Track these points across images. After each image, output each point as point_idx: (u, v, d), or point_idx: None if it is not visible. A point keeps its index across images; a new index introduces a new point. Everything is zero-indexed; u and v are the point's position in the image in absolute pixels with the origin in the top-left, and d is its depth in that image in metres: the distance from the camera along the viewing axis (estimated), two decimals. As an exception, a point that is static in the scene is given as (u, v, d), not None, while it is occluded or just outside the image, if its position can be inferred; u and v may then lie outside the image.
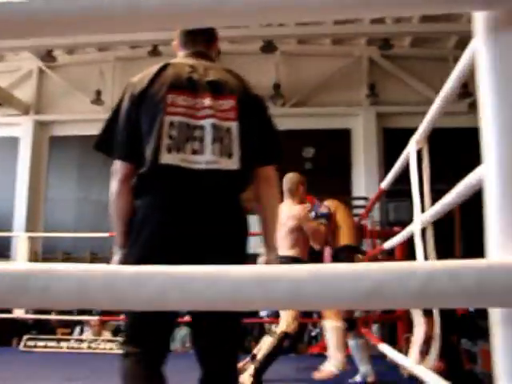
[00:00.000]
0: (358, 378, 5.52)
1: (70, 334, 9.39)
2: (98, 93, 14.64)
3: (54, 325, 9.98)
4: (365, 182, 13.71)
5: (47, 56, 14.07)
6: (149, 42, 13.01)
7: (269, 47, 13.20)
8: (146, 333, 2.10)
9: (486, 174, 0.71)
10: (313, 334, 9.54)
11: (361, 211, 13.18)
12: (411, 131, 10.55)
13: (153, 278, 0.63)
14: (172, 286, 0.63)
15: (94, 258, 13.95)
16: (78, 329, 9.46)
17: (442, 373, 3.77)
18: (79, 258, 13.88)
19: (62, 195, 14.95)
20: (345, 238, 5.40)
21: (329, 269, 0.64)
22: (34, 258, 12.89)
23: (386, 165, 13.42)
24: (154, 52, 13.42)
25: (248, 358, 5.03)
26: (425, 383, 2.90)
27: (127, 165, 2.14)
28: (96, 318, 7.07)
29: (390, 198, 13.02)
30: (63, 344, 6.88)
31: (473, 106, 12.68)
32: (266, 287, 0.65)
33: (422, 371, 2.84)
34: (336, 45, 14.34)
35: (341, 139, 14.08)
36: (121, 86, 15.61)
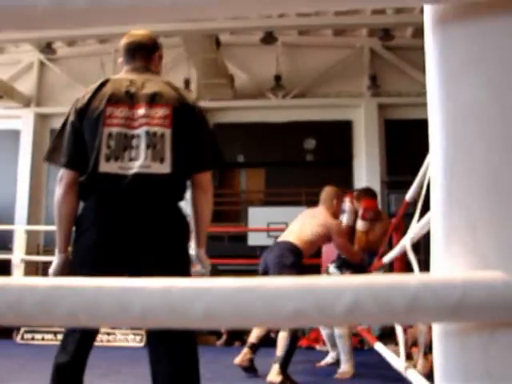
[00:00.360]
0: (328, 359, 5.55)
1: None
2: (99, 85, 14.60)
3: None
4: (366, 173, 13.68)
5: (47, 48, 14.04)
6: (149, 34, 12.94)
7: (269, 38, 13.15)
8: (72, 344, 2.23)
9: (432, 169, 0.69)
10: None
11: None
12: (413, 122, 10.59)
13: (64, 298, 0.60)
14: (82, 305, 0.60)
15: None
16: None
17: (431, 372, 3.76)
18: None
19: (62, 188, 14.92)
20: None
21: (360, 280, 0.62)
22: (36, 250, 12.91)
23: (388, 156, 13.40)
24: (155, 44, 13.37)
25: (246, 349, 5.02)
26: None
27: (70, 172, 2.29)
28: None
29: (392, 189, 13.02)
30: (60, 336, 6.88)
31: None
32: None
33: (410, 372, 2.83)
34: (337, 36, 14.28)
35: (342, 131, 14.04)
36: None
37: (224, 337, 8.62)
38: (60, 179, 2.31)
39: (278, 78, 13.96)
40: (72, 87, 14.94)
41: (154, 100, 2.29)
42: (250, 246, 11.99)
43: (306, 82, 14.12)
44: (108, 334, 6.67)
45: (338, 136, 13.95)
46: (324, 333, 5.54)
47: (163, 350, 2.25)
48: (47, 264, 9.16)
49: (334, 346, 5.37)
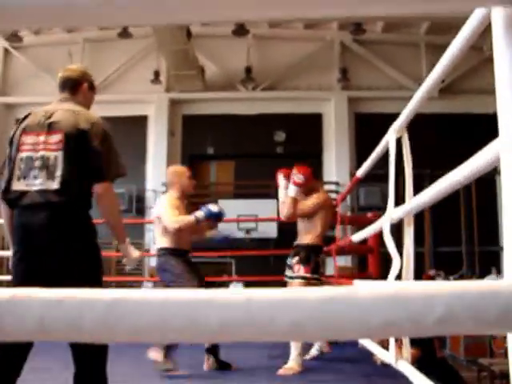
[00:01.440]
0: (313, 351, 5.55)
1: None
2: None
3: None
4: (336, 166, 13.73)
5: (13, 36, 13.77)
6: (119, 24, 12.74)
7: (241, 30, 13.09)
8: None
9: (503, 156, 0.66)
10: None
11: (332, 196, 13.22)
12: (383, 116, 10.57)
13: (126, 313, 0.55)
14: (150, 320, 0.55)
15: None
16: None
17: (417, 361, 3.78)
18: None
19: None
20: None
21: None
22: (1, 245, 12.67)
23: (358, 150, 13.46)
24: (124, 34, 13.22)
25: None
26: (398, 372, 2.89)
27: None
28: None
29: (361, 183, 13.08)
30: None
31: (444, 91, 12.74)
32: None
33: (400, 363, 2.82)
34: (308, 29, 14.28)
35: (312, 123, 14.06)
36: (90, 68, 15.30)
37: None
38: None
39: (248, 70, 13.91)
40: (38, 77, 14.68)
41: (51, 128, 2.78)
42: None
43: (277, 74, 14.10)
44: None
45: (307, 129, 13.96)
46: None
47: (72, 354, 2.64)
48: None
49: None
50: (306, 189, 5.13)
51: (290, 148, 13.94)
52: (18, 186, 2.74)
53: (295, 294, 0.55)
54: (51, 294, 0.59)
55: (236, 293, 0.57)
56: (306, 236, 5.16)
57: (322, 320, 0.54)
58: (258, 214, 11.65)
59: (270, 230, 12.22)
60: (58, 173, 2.71)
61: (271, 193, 12.84)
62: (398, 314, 0.54)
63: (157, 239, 5.13)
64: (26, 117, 2.94)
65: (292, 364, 4.90)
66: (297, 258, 5.05)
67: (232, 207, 12.14)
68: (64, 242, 2.68)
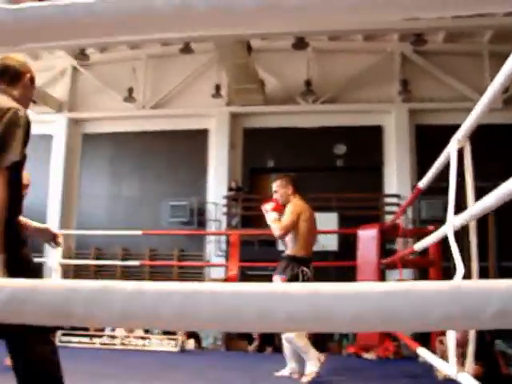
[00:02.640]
0: (285, 372, 5.47)
1: (103, 330, 9.51)
2: (130, 90, 14.75)
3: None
4: (397, 179, 13.57)
5: (80, 54, 14.21)
6: (180, 40, 13.02)
7: (301, 44, 13.14)
8: None
9: None
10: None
11: (393, 209, 13.08)
12: (444, 128, 10.42)
13: (203, 303, 0.60)
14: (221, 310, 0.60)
15: (126, 254, 14.07)
16: (110, 324, 9.58)
17: (480, 377, 3.71)
18: (111, 254, 14.02)
19: (94, 192, 15.10)
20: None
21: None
22: (67, 253, 13.04)
23: (419, 162, 13.28)
24: (186, 49, 13.46)
25: None
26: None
27: None
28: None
29: (423, 196, 12.89)
30: (96, 340, 6.94)
31: (508, 102, 12.47)
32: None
33: (463, 376, 2.78)
34: (368, 41, 14.22)
35: (373, 136, 13.95)
36: (153, 83, 15.81)
37: (256, 342, 8.61)
38: None
39: (308, 83, 13.95)
40: (104, 92, 15.13)
41: None
42: (280, 250, 11.96)
43: (337, 87, 14.08)
44: (143, 338, 6.72)
45: (368, 141, 13.88)
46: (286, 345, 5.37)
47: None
48: (79, 267, 9.24)
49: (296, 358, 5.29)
50: (283, 209, 5.37)
51: (350, 161, 13.88)
52: None
53: (358, 288, 0.59)
54: (134, 286, 0.65)
55: (302, 287, 0.61)
56: (288, 248, 5.30)
57: (383, 312, 0.57)
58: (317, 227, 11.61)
59: (331, 243, 12.16)
60: None
61: (332, 206, 12.83)
62: (456, 307, 0.56)
63: None
64: None
65: (311, 366, 4.95)
66: (277, 270, 5.23)
67: (292, 220, 12.17)
68: None
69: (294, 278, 5.04)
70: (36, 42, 0.92)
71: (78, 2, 0.75)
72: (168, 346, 6.54)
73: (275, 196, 5.29)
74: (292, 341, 4.95)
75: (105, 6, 0.75)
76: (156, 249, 13.98)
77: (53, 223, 13.78)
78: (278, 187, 5.29)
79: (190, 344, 7.22)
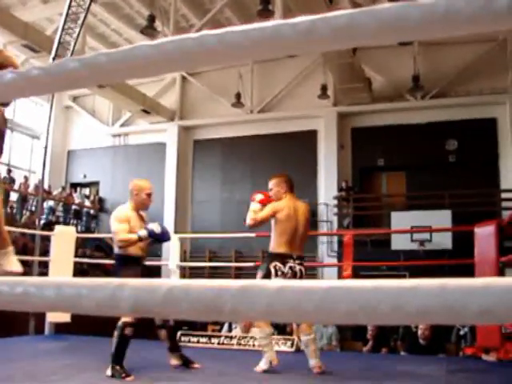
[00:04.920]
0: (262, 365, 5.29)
1: (220, 330, 9.76)
2: (238, 96, 15.07)
3: (205, 321, 10.47)
4: (515, 173, 13.03)
5: (189, 64, 14.65)
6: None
7: (406, 39, 12.91)
8: None
9: None
10: (461, 333, 9.18)
11: (511, 204, 12.55)
12: None
13: (342, 299, 0.66)
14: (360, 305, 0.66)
15: (239, 257, 14.37)
16: (226, 326, 9.82)
17: None
18: (225, 256, 14.36)
19: (207, 197, 15.53)
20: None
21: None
22: (183, 257, 13.49)
23: (538, 154, 12.69)
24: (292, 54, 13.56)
25: None
26: None
27: None
28: (246, 315, 7.26)
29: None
30: (214, 340, 7.15)
31: None
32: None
33: None
34: (478, 31, 13.73)
35: (486, 129, 13.47)
36: (259, 87, 16.06)
37: (370, 343, 8.56)
38: None
39: (415, 78, 13.68)
40: (212, 99, 15.55)
41: None
42: (393, 250, 11.82)
43: (446, 80, 13.71)
44: (260, 338, 6.88)
45: (481, 135, 13.41)
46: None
47: None
48: (194, 269, 9.51)
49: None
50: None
51: (462, 156, 13.47)
52: None
53: (486, 282, 0.63)
54: (277, 284, 0.72)
55: (432, 282, 0.65)
56: (270, 245, 5.23)
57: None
58: (431, 225, 11.37)
59: (445, 241, 11.85)
60: None
61: (444, 203, 12.50)
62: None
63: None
64: None
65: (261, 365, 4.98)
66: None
67: (405, 219, 11.98)
68: None
69: (267, 274, 5.06)
70: (174, 71, 1.03)
71: (210, 34, 0.84)
72: (284, 346, 6.64)
73: (270, 193, 5.34)
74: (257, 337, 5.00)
75: (235, 36, 0.83)
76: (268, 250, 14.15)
77: (168, 227, 14.25)
78: (272, 185, 5.38)
79: (306, 344, 7.28)
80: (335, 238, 13.37)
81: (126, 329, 4.61)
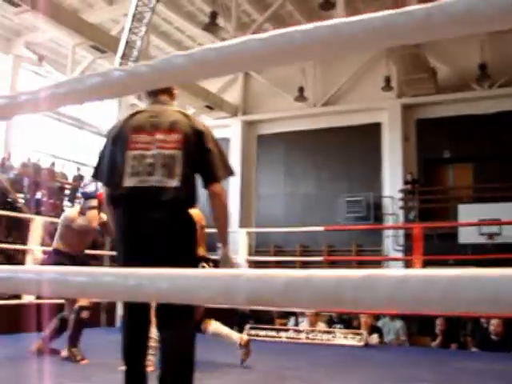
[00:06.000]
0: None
1: (285, 324, 9.81)
2: (301, 90, 15.05)
3: (272, 316, 10.52)
4: None
5: (251, 59, 14.72)
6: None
7: (473, 27, 12.60)
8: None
9: None
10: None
11: None
12: None
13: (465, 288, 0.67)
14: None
15: (304, 251, 14.37)
16: (292, 319, 9.86)
17: None
18: (290, 251, 14.38)
19: (270, 191, 15.59)
20: None
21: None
22: (249, 251, 13.58)
23: None
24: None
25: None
26: None
27: (107, 188, 2.96)
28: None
29: None
30: (282, 334, 7.20)
31: None
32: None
33: None
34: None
35: (558, 118, 12.99)
36: (322, 80, 15.99)
37: (439, 338, 8.43)
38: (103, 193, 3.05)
39: (482, 66, 13.34)
40: (275, 94, 15.58)
41: (168, 127, 2.82)
42: (460, 244, 11.59)
43: (515, 68, 13.29)
44: (328, 332, 6.88)
45: (554, 124, 12.95)
46: None
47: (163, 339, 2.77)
48: (259, 264, 9.55)
49: None
50: None
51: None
52: (129, 182, 2.77)
53: None
54: (399, 273, 0.74)
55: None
56: None
57: None
58: (500, 218, 11.06)
59: (515, 234, 11.50)
60: (178, 171, 2.75)
61: (514, 195, 12.14)
62: None
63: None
64: (130, 115, 2.97)
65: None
66: None
67: (472, 211, 11.71)
68: (176, 239, 2.78)
69: None
70: (238, 71, 1.06)
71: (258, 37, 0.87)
72: (352, 340, 6.62)
73: None
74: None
75: (304, 35, 0.86)
76: (333, 245, 14.12)
77: (233, 222, 14.41)
78: None
79: (374, 339, 7.26)
80: (401, 232, 13.20)
81: (83, 312, 4.83)
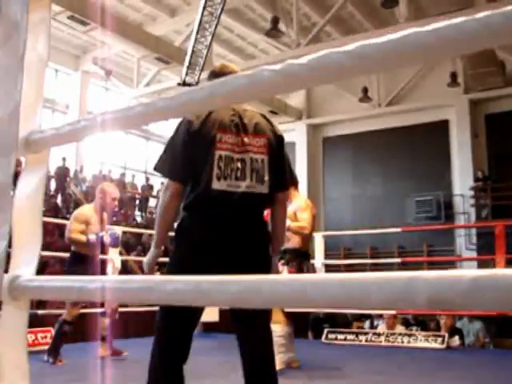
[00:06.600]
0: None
1: (362, 327, 9.71)
2: (365, 90, 14.92)
3: (347, 319, 10.45)
4: None
5: (313, 62, 14.71)
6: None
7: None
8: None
9: None
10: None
11: None
12: None
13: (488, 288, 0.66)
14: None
15: (375, 253, 14.21)
16: (367, 322, 9.74)
17: None
18: (360, 253, 14.25)
19: (338, 193, 15.50)
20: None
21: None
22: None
23: None
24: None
25: None
26: None
27: (177, 184, 2.70)
28: (391, 312, 7.20)
29: None
30: (361, 337, 7.13)
31: None
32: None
33: None
34: None
35: None
36: (386, 80, 15.79)
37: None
38: (166, 188, 2.72)
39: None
40: (339, 96, 15.50)
41: (254, 130, 2.68)
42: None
43: None
44: (409, 335, 6.77)
45: None
46: None
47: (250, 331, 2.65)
48: (330, 267, 9.45)
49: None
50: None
51: None
52: (217, 185, 2.59)
53: None
54: (440, 274, 0.73)
55: None
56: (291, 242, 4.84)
57: None
58: None
59: None
60: (266, 177, 2.65)
61: None
62: None
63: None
64: (210, 112, 2.71)
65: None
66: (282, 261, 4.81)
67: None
68: (262, 246, 2.71)
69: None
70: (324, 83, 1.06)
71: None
72: (434, 342, 6.50)
73: None
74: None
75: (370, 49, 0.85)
76: (404, 246, 13.92)
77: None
78: None
79: (455, 341, 7.12)
80: (473, 231, 12.90)
81: (64, 326, 5.11)
